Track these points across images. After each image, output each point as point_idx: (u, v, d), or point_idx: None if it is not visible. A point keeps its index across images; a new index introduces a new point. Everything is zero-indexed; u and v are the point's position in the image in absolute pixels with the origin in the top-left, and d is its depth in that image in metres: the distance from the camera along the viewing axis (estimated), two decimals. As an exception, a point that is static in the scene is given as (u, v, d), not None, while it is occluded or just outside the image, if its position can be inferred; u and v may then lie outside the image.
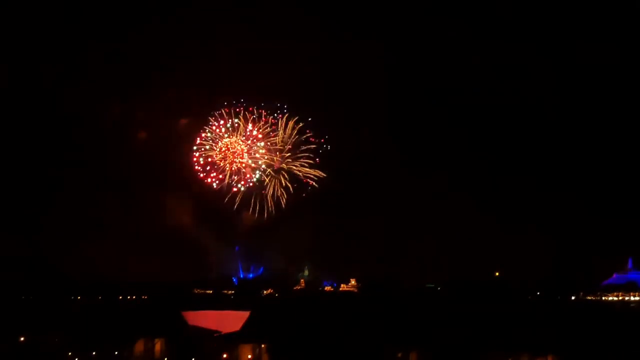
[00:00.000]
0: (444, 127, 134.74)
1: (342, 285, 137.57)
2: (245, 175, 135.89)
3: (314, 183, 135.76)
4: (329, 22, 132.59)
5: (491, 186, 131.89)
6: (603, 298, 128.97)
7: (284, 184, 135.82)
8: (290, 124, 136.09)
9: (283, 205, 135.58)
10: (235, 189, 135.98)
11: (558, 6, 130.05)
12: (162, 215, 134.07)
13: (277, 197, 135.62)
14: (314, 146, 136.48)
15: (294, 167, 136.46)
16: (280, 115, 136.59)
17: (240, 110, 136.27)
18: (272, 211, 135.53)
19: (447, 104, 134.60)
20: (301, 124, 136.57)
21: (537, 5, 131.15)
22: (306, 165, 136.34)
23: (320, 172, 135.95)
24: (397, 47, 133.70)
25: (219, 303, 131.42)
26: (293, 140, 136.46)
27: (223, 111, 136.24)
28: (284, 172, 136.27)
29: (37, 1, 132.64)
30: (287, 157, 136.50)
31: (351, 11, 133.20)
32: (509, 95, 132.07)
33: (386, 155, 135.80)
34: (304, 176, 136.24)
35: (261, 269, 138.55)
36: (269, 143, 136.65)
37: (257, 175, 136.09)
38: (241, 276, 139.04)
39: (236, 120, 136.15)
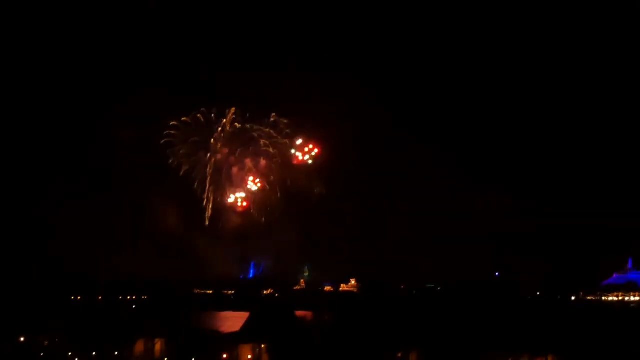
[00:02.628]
0: (443, 125, 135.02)
1: (342, 285, 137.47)
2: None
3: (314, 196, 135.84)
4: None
5: (491, 187, 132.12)
6: (603, 298, 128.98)
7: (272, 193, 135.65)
8: (283, 120, 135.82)
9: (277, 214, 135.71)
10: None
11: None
12: (162, 216, 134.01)
13: (270, 209, 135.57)
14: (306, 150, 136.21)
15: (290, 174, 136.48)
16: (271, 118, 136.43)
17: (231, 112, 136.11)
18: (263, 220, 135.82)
19: (446, 100, 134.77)
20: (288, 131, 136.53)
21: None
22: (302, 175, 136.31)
23: (321, 187, 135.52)
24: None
25: (219, 303, 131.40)
26: (284, 141, 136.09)
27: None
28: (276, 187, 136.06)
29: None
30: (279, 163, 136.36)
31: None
32: (510, 94, 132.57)
33: (386, 156, 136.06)
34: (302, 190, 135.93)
35: (261, 268, 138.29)
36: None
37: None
38: (241, 277, 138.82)
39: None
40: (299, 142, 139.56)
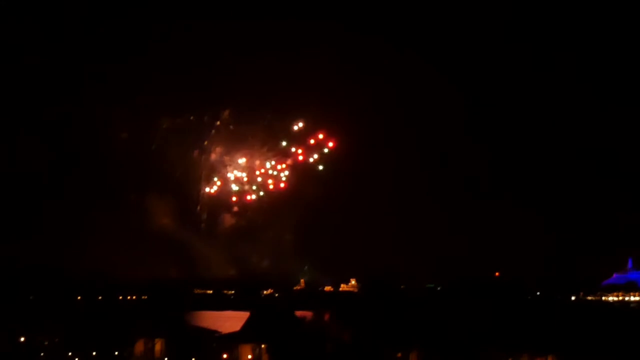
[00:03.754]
0: (443, 124, 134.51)
1: (342, 285, 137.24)
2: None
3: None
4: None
5: (491, 186, 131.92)
6: (603, 298, 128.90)
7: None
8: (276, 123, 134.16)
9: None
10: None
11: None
12: (162, 215, 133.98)
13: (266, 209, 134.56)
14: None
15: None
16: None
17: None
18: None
19: (447, 98, 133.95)
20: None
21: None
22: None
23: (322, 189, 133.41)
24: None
25: (219, 303, 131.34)
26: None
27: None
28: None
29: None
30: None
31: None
32: (510, 95, 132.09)
33: (385, 154, 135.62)
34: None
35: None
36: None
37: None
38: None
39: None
40: (298, 127, 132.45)
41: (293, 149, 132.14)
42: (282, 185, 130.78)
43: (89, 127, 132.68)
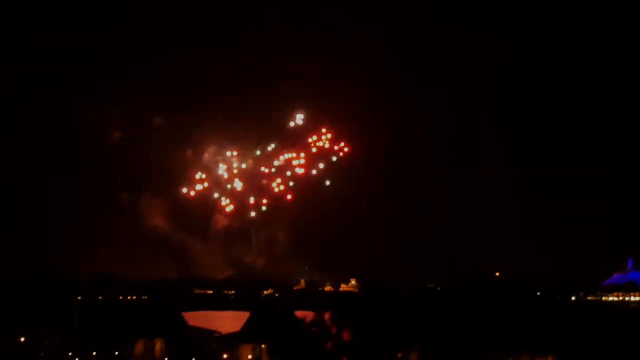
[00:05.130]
0: (443, 124, 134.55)
1: (342, 285, 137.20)
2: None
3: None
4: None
5: (491, 187, 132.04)
6: (603, 298, 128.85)
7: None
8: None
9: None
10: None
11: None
12: (162, 216, 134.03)
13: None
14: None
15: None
16: None
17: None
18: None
19: (449, 97, 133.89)
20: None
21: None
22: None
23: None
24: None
25: (219, 303, 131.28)
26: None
27: None
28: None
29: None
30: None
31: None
32: (513, 98, 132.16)
33: (385, 155, 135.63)
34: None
35: None
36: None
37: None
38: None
39: None
40: (299, 119, 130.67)
41: (288, 155, 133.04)
42: (289, 197, 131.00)
43: (89, 128, 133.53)
